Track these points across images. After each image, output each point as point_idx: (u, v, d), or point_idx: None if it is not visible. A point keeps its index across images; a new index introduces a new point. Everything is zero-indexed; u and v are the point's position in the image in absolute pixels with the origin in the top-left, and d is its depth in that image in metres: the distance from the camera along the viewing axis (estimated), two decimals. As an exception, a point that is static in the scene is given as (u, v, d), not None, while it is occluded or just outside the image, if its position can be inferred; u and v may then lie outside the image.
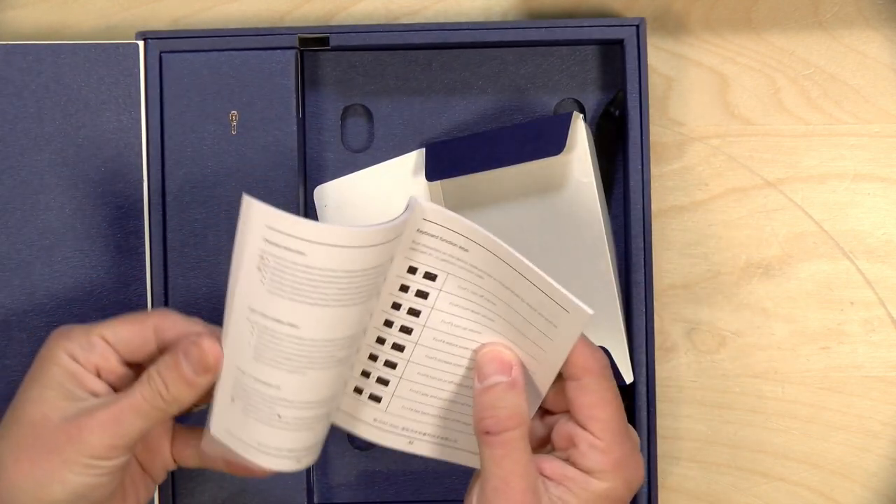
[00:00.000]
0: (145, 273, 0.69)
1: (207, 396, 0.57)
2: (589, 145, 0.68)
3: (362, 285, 0.54)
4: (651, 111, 0.71)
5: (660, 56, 0.73)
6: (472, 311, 0.58)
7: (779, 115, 0.73)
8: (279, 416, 0.56)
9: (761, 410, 0.72)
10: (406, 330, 0.58)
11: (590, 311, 0.54)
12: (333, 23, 0.73)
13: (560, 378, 0.58)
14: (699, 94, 0.73)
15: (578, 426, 0.57)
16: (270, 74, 0.69)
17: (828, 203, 0.73)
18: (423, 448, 0.61)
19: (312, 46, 0.70)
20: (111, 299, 0.69)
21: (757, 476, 0.73)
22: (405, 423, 0.60)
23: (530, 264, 0.55)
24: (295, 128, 0.69)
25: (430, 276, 0.57)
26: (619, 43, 0.70)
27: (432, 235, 0.56)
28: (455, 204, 0.70)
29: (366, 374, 0.60)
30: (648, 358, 0.68)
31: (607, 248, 0.68)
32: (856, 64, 0.73)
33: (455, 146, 0.69)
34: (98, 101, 0.69)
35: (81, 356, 0.57)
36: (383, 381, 0.60)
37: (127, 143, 0.69)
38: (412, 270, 0.57)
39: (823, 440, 0.72)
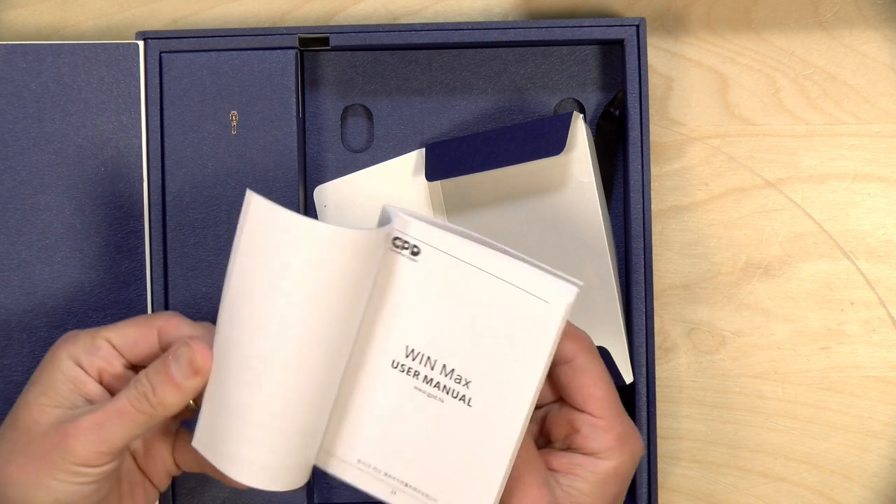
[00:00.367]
0: (145, 273, 0.69)
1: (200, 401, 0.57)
2: (589, 145, 0.68)
3: (347, 291, 0.54)
4: (651, 111, 0.71)
5: (660, 56, 0.73)
6: (446, 336, 0.56)
7: (779, 115, 0.73)
8: (259, 429, 0.55)
9: (761, 410, 0.72)
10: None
11: (573, 292, 0.54)
12: (333, 23, 0.73)
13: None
14: (699, 94, 0.73)
15: (575, 409, 0.57)
16: (270, 74, 0.69)
17: (828, 203, 0.73)
18: (404, 501, 0.58)
19: (312, 46, 0.70)
20: (111, 299, 0.69)
21: (757, 476, 0.73)
22: (388, 469, 0.58)
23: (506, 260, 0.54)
24: (295, 128, 0.69)
25: (400, 302, 0.57)
26: (620, 43, 0.70)
27: (402, 250, 0.56)
28: (455, 204, 0.70)
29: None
30: (648, 358, 0.68)
31: (607, 248, 0.68)
32: (856, 64, 0.73)
33: (455, 146, 0.69)
34: (98, 101, 0.69)
35: (85, 360, 0.57)
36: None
37: (127, 143, 0.69)
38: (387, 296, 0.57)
39: (823, 440, 0.72)
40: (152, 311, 0.69)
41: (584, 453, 0.57)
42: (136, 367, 0.59)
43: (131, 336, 0.58)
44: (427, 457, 0.57)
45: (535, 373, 0.55)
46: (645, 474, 0.69)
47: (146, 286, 0.69)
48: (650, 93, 0.71)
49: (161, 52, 0.69)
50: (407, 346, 0.56)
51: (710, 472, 0.73)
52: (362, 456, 0.58)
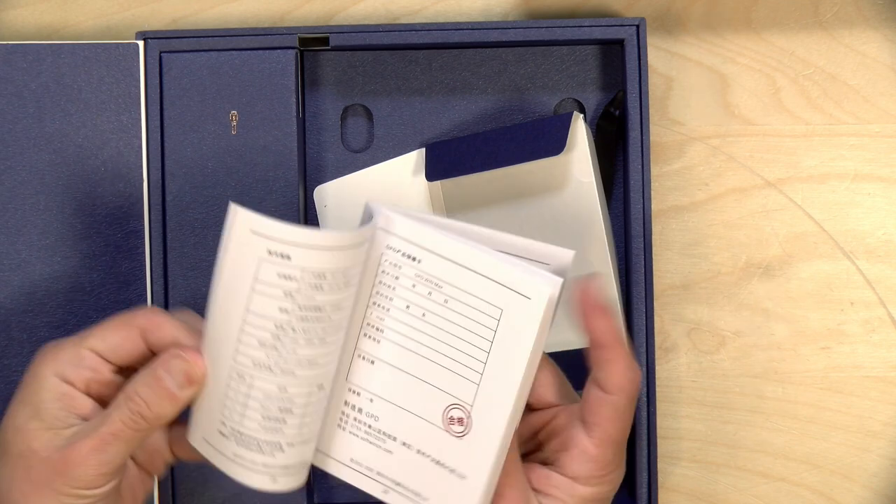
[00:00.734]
0: (145, 273, 0.69)
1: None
2: (589, 145, 0.68)
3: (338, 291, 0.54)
4: (651, 111, 0.71)
5: (660, 56, 0.73)
6: (427, 337, 0.56)
7: (779, 115, 0.73)
8: (257, 432, 0.55)
9: (761, 410, 0.72)
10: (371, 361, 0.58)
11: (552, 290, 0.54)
12: (333, 23, 0.73)
13: (548, 374, 0.58)
14: (699, 94, 0.73)
15: (580, 427, 0.57)
16: (270, 74, 0.69)
17: (828, 203, 0.73)
18: (397, 500, 0.58)
19: (312, 46, 0.70)
20: (111, 299, 0.69)
21: (757, 476, 0.73)
22: (380, 468, 0.58)
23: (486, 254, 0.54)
24: (295, 128, 0.69)
25: (386, 301, 0.57)
26: (620, 43, 0.70)
27: (394, 250, 0.56)
28: (455, 204, 0.70)
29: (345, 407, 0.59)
30: (648, 358, 0.68)
31: (607, 248, 0.68)
32: (856, 64, 0.73)
33: (455, 146, 0.69)
34: (98, 101, 0.69)
35: (71, 373, 0.56)
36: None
37: (127, 143, 0.69)
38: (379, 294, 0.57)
39: (824, 440, 0.72)
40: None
41: (565, 474, 0.57)
42: (123, 369, 0.58)
43: (115, 340, 0.57)
44: (415, 457, 0.57)
45: (516, 374, 0.55)
46: (645, 474, 0.69)
47: (146, 286, 0.69)
48: (650, 93, 0.71)
49: (161, 52, 0.69)
50: (395, 343, 0.57)
51: (710, 472, 0.73)
52: (355, 455, 0.58)
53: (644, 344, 0.68)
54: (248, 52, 0.69)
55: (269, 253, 0.52)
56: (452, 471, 0.56)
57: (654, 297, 0.70)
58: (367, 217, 0.56)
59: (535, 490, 0.57)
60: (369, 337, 0.57)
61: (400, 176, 0.71)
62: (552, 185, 0.69)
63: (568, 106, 0.72)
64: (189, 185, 0.69)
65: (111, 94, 0.69)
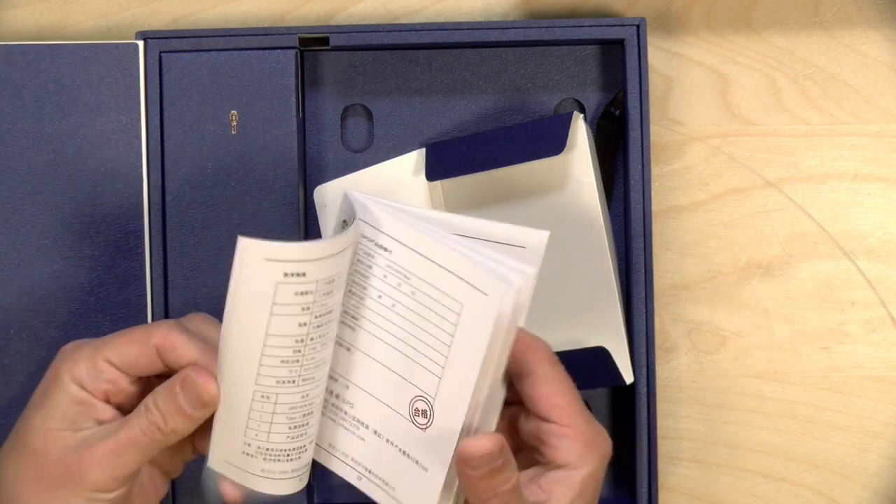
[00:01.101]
0: (145, 273, 0.69)
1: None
2: (589, 145, 0.68)
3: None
4: (651, 111, 0.71)
5: (660, 56, 0.73)
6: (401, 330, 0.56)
7: (779, 115, 0.73)
8: (277, 448, 0.56)
9: (761, 411, 0.72)
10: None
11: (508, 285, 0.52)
12: (333, 23, 0.73)
13: (551, 390, 0.57)
14: (699, 94, 0.73)
15: (541, 419, 0.56)
16: (270, 74, 0.69)
17: (828, 203, 0.73)
18: (368, 488, 0.58)
19: (312, 46, 0.70)
20: (111, 299, 0.69)
21: (757, 476, 0.73)
22: (354, 455, 0.58)
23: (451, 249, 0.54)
24: (295, 128, 0.69)
25: (361, 290, 0.56)
26: (620, 43, 0.70)
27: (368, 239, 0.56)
28: (455, 204, 0.70)
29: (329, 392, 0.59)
30: (648, 358, 0.68)
31: (607, 247, 0.68)
32: (856, 64, 0.73)
33: (455, 146, 0.69)
34: (98, 101, 0.69)
35: (90, 384, 0.56)
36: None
37: (127, 143, 0.69)
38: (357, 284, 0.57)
39: (824, 440, 0.72)
40: (152, 311, 0.69)
41: (557, 466, 0.56)
42: (141, 379, 0.58)
43: (131, 355, 0.56)
44: (385, 446, 0.57)
45: (472, 371, 0.54)
46: (645, 474, 0.69)
47: (146, 286, 0.69)
48: (650, 93, 0.71)
49: (161, 52, 0.69)
50: (368, 332, 0.57)
51: (711, 472, 0.73)
52: (333, 441, 0.59)
53: (644, 344, 0.68)
54: (248, 52, 0.69)
55: (286, 275, 0.52)
56: (416, 462, 0.56)
57: (654, 297, 0.70)
58: (346, 207, 0.56)
59: (541, 495, 0.57)
60: (346, 325, 0.57)
61: (400, 176, 0.71)
62: (552, 185, 0.69)
63: (568, 106, 0.72)
64: (189, 185, 0.69)
65: (111, 94, 0.69)
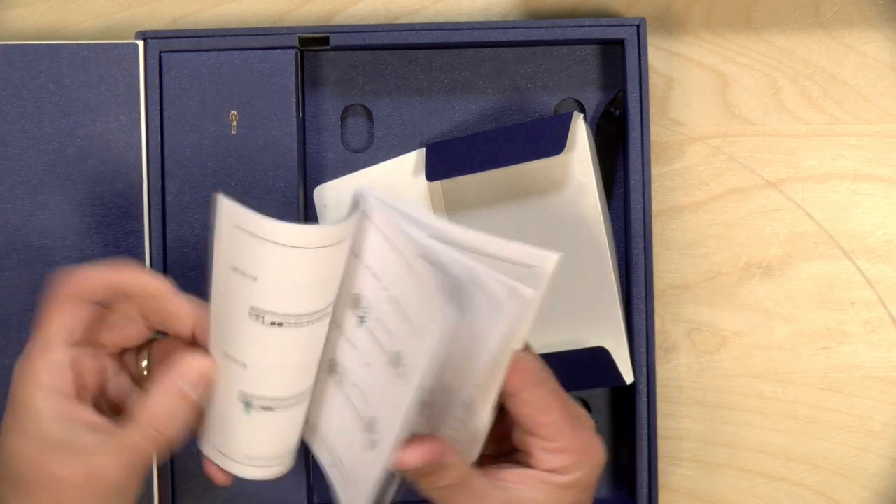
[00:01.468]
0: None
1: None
2: (589, 145, 0.68)
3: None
4: (651, 111, 0.71)
5: (660, 56, 0.73)
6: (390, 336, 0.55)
7: (779, 115, 0.73)
8: (262, 433, 0.56)
9: (761, 411, 0.72)
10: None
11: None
12: (333, 23, 0.73)
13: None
14: (699, 94, 0.73)
15: (528, 434, 0.56)
16: (270, 74, 0.69)
17: (828, 203, 0.73)
18: (335, 477, 0.58)
19: (312, 46, 0.70)
20: (111, 299, 0.69)
21: (757, 476, 0.73)
22: (331, 442, 0.58)
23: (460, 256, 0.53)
24: (295, 128, 0.69)
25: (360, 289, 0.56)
26: (620, 43, 0.70)
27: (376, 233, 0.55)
28: (455, 204, 0.70)
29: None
30: (649, 358, 0.68)
31: (607, 248, 0.68)
32: (856, 64, 0.73)
33: (455, 146, 0.69)
34: (98, 101, 0.69)
35: (60, 385, 0.54)
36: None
37: (127, 143, 0.69)
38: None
39: (824, 440, 0.72)
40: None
41: (541, 470, 0.56)
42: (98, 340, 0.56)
43: (72, 323, 0.54)
44: (348, 442, 0.57)
45: (417, 372, 0.53)
46: (645, 474, 0.69)
47: (146, 286, 0.69)
48: (650, 93, 0.71)
49: (161, 52, 0.69)
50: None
51: (711, 472, 0.73)
52: (311, 418, 0.59)
53: (644, 344, 0.68)
54: (248, 52, 0.69)
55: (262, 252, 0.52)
56: (362, 466, 0.56)
57: (654, 297, 0.70)
58: (355, 205, 0.55)
59: (510, 483, 0.56)
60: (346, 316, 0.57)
61: (400, 176, 0.71)
62: (552, 185, 0.69)
63: (568, 106, 0.72)
64: (189, 185, 0.69)
65: (111, 94, 0.69)
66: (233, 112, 0.69)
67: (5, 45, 0.69)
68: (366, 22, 0.73)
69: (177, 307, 0.55)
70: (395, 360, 0.53)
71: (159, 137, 0.69)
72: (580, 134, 0.68)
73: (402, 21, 0.73)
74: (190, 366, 0.55)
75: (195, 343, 0.56)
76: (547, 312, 0.69)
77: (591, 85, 0.72)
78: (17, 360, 0.55)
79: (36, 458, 0.53)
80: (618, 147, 0.71)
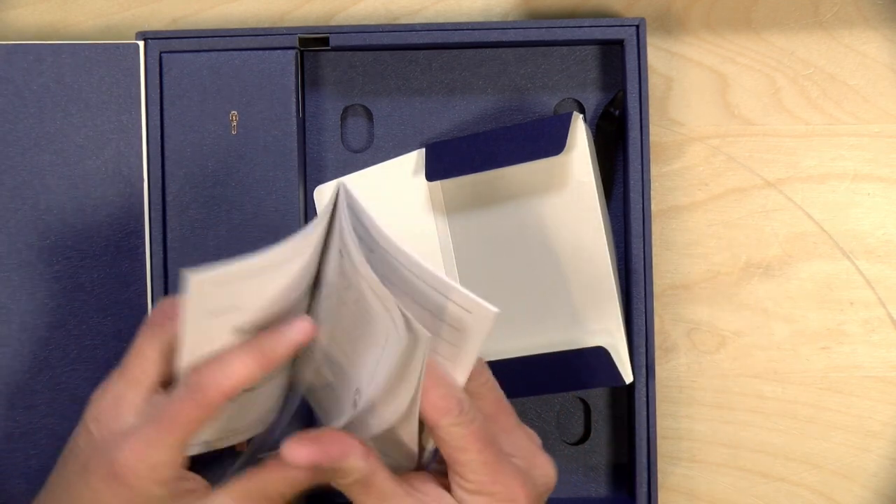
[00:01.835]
0: (145, 273, 0.69)
1: None
2: (589, 145, 0.68)
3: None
4: (651, 111, 0.71)
5: (660, 56, 0.73)
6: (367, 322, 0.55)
7: (779, 115, 0.73)
8: None
9: (761, 410, 0.72)
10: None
11: (494, 309, 0.51)
12: (333, 23, 0.73)
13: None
14: (699, 94, 0.73)
15: (448, 467, 0.55)
16: (270, 74, 0.69)
17: (828, 203, 0.73)
18: None
19: (312, 46, 0.70)
20: (111, 299, 0.69)
21: (757, 476, 0.73)
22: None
23: (425, 265, 0.52)
24: (295, 128, 0.69)
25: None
26: (619, 43, 0.70)
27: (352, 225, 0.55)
28: (455, 204, 0.70)
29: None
30: (648, 358, 0.68)
31: (607, 248, 0.68)
32: (856, 64, 0.73)
33: (455, 146, 0.69)
34: (98, 101, 0.69)
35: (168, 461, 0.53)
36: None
37: (127, 143, 0.69)
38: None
39: (823, 440, 0.72)
40: (152, 311, 0.69)
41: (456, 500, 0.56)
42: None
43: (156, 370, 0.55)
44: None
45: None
46: (644, 474, 0.69)
47: (146, 286, 0.69)
48: (650, 93, 0.71)
49: (161, 52, 0.69)
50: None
51: (710, 472, 0.73)
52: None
53: (644, 344, 0.68)
54: (248, 52, 0.69)
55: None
56: None
57: (654, 297, 0.70)
58: (337, 197, 0.55)
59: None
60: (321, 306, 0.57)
61: (400, 176, 0.71)
62: (552, 185, 0.69)
63: (568, 106, 0.72)
64: (189, 185, 0.69)
65: (111, 94, 0.69)
66: (233, 112, 0.69)
67: (6, 44, 0.69)
68: (366, 22, 0.73)
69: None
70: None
71: (159, 137, 0.69)
72: (580, 134, 0.68)
73: (402, 21, 0.73)
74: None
75: None
76: (547, 312, 0.69)
77: (591, 85, 0.72)
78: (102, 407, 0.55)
79: None
80: (617, 147, 0.71)
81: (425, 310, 0.53)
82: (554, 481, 0.57)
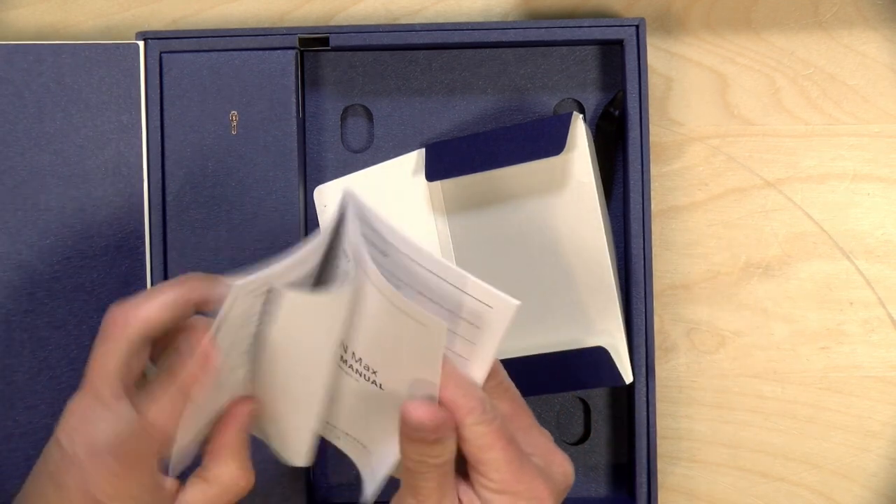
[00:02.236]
0: (145, 273, 0.69)
1: None
2: (589, 145, 0.68)
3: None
4: (651, 111, 0.71)
5: (660, 56, 0.73)
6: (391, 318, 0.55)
7: (779, 115, 0.73)
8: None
9: (761, 410, 0.72)
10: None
11: (515, 302, 0.51)
12: (333, 23, 0.73)
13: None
14: (699, 94, 0.73)
15: (471, 467, 0.55)
16: (270, 74, 0.69)
17: (827, 203, 0.73)
18: (346, 445, 0.59)
19: (312, 46, 0.70)
20: (111, 299, 0.69)
21: (757, 476, 0.73)
22: (333, 421, 0.59)
23: (443, 260, 0.52)
24: (295, 128, 0.69)
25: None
26: (619, 43, 0.70)
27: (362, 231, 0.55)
28: (455, 204, 0.70)
29: None
30: (648, 358, 0.68)
31: (607, 248, 0.68)
32: (855, 64, 0.73)
33: (455, 146, 0.70)
34: (98, 101, 0.69)
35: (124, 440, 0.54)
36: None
37: (127, 143, 0.69)
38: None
39: (823, 440, 0.72)
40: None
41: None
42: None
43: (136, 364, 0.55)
44: (357, 416, 0.58)
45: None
46: (644, 474, 0.69)
47: (146, 286, 0.69)
48: (650, 93, 0.71)
49: (161, 52, 0.69)
50: (342, 342, 0.56)
51: (710, 472, 0.73)
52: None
53: (644, 344, 0.68)
54: (248, 52, 0.69)
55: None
56: (383, 429, 0.57)
57: (654, 297, 0.71)
58: (343, 206, 0.55)
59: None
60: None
61: (400, 176, 0.71)
62: (552, 185, 0.69)
63: (568, 106, 0.72)
64: (189, 185, 0.69)
65: (111, 94, 0.69)
66: (233, 112, 0.69)
67: (6, 44, 0.69)
68: (366, 22, 0.73)
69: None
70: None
71: (159, 137, 0.69)
72: (580, 134, 0.68)
73: (402, 21, 0.73)
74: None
75: None
76: (547, 312, 0.69)
77: (591, 85, 0.72)
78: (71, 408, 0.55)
79: None
80: (617, 147, 0.71)
81: (443, 308, 0.53)
82: (572, 479, 0.57)
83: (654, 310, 0.69)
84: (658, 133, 0.72)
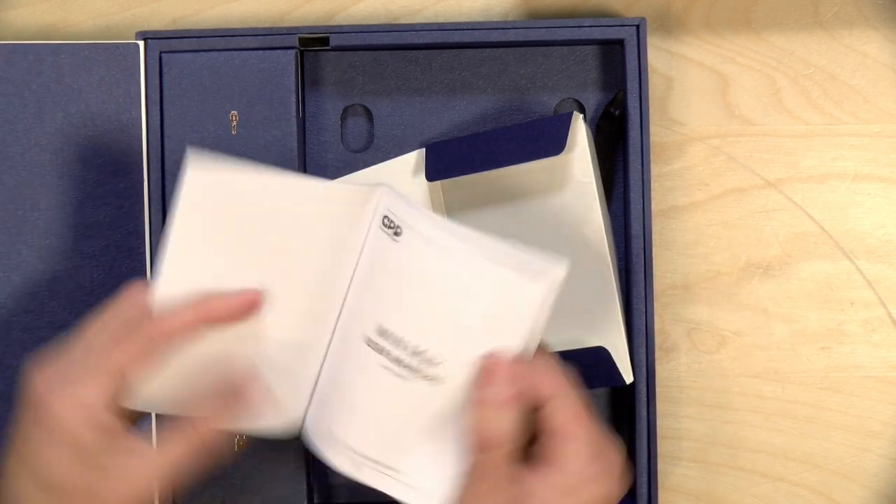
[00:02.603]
0: (145, 273, 0.69)
1: None
2: (589, 145, 0.68)
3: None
4: (651, 111, 0.71)
5: (660, 56, 0.73)
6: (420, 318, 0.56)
7: (779, 115, 0.73)
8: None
9: (761, 410, 0.72)
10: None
11: (562, 270, 0.54)
12: (333, 23, 0.73)
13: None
14: (699, 94, 0.73)
15: (551, 439, 0.56)
16: (270, 74, 0.69)
17: (828, 203, 0.73)
18: (370, 476, 0.59)
19: (312, 46, 0.70)
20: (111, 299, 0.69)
21: (757, 476, 0.73)
22: (353, 444, 0.58)
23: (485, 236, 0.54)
24: (295, 128, 0.69)
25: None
26: (620, 43, 0.70)
27: (388, 227, 0.56)
28: (455, 204, 0.70)
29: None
30: (648, 358, 0.68)
31: (607, 248, 0.68)
32: (856, 64, 0.73)
33: (455, 146, 0.70)
34: (98, 101, 0.69)
35: (102, 401, 0.54)
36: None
37: (127, 144, 0.69)
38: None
39: (823, 440, 0.72)
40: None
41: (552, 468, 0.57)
42: None
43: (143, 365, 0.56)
44: (392, 432, 0.57)
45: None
46: (645, 474, 0.69)
47: (146, 286, 0.69)
48: (650, 93, 0.71)
49: (161, 52, 0.69)
50: (380, 326, 0.56)
51: (710, 472, 0.73)
52: (332, 425, 0.59)
53: (644, 344, 0.68)
54: (248, 52, 0.69)
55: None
56: (430, 443, 0.58)
57: (654, 297, 0.71)
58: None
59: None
60: (359, 311, 0.59)
61: (400, 176, 0.71)
62: (552, 185, 0.69)
63: (568, 106, 0.72)
64: (189, 185, 0.69)
65: (111, 94, 0.69)
66: (233, 112, 0.69)
67: (6, 44, 0.69)
68: (366, 22, 0.73)
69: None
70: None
71: (159, 137, 0.69)
72: (580, 134, 0.68)
73: (402, 21, 0.73)
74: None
75: None
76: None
77: (591, 85, 0.72)
78: (44, 367, 0.55)
79: (77, 474, 0.53)
80: (617, 147, 0.71)
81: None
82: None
83: (654, 310, 0.69)
84: (658, 133, 0.72)
